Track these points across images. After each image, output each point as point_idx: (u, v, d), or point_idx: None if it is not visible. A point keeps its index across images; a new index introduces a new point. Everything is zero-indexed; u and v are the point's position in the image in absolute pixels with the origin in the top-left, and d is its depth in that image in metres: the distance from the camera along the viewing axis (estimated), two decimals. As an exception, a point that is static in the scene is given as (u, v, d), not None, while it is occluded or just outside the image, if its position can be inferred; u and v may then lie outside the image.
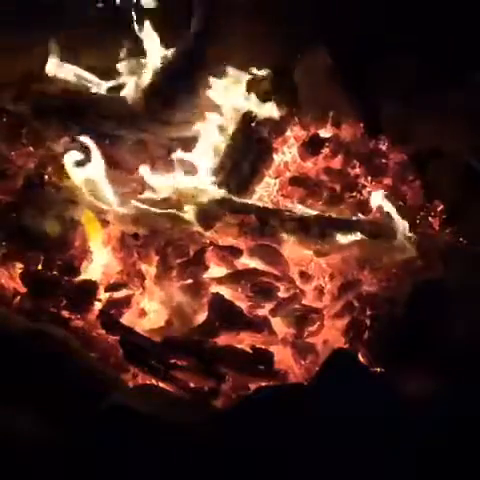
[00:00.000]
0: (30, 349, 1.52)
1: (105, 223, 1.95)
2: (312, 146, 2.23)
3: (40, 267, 1.84)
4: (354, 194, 2.13)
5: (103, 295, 1.81)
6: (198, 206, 1.97)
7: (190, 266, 1.84)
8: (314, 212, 2.03)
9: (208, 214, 1.96)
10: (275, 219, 1.96)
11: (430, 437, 1.29)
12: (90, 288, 1.81)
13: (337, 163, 2.22)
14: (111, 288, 1.81)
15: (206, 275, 1.85)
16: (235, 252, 1.90)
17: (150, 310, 1.81)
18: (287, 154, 2.23)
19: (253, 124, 2.20)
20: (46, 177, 2.04)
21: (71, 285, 1.81)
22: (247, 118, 2.20)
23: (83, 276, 1.85)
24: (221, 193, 2.02)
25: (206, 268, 1.86)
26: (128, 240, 1.90)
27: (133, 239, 1.90)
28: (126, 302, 1.79)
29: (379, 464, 1.26)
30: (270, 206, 2.07)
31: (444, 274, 1.83)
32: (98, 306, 1.78)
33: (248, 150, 2.15)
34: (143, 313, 1.80)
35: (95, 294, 1.80)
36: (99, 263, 1.90)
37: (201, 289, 1.80)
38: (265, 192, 2.14)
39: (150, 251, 1.88)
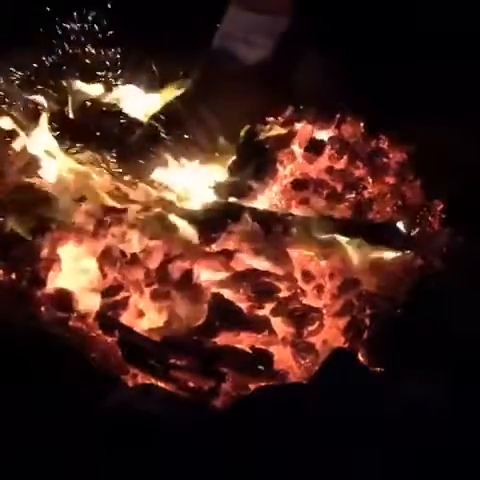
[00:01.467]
0: (29, 349, 1.52)
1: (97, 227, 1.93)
2: (313, 149, 2.22)
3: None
4: (354, 194, 2.13)
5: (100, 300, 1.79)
6: (199, 218, 1.96)
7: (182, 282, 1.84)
8: (316, 214, 2.04)
9: (210, 227, 1.94)
10: (277, 223, 1.96)
11: (430, 437, 1.29)
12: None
13: (338, 163, 2.22)
14: (107, 293, 1.80)
15: (206, 279, 1.84)
16: (227, 255, 1.89)
17: (149, 311, 1.80)
18: (289, 158, 2.23)
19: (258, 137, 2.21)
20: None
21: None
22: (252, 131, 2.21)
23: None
24: (222, 200, 2.03)
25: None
26: (116, 251, 1.88)
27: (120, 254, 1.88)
28: (123, 304, 1.78)
29: (379, 464, 1.26)
30: (272, 209, 2.07)
31: (444, 274, 1.83)
32: (96, 308, 1.77)
33: (252, 160, 2.15)
34: (141, 314, 1.79)
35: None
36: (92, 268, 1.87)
37: (201, 294, 1.80)
38: (267, 196, 2.14)
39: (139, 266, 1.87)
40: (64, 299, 1.77)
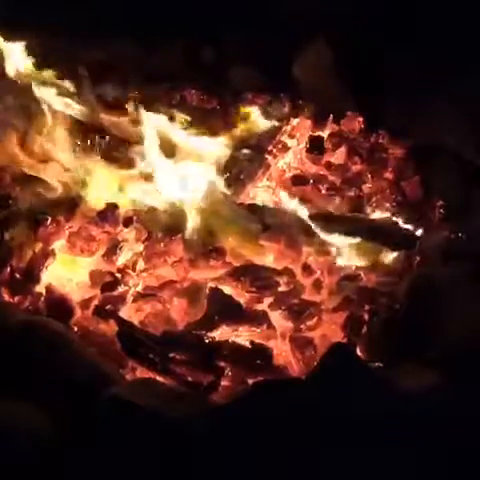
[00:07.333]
0: (29, 343, 1.52)
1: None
2: (315, 145, 2.23)
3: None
4: (353, 190, 2.13)
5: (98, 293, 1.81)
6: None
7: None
8: (315, 211, 2.05)
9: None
10: (278, 220, 1.98)
11: (430, 434, 1.30)
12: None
13: (338, 159, 2.22)
14: (105, 288, 1.81)
15: (205, 275, 1.85)
16: (219, 252, 1.91)
17: (147, 306, 1.80)
18: (289, 153, 2.23)
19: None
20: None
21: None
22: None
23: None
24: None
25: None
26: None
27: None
28: (122, 298, 1.79)
29: (376, 460, 1.26)
30: (272, 206, 2.09)
31: (442, 269, 1.83)
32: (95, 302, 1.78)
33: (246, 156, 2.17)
34: (140, 308, 1.79)
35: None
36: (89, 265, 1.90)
37: (201, 289, 1.81)
38: (267, 194, 2.14)
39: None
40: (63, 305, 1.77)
